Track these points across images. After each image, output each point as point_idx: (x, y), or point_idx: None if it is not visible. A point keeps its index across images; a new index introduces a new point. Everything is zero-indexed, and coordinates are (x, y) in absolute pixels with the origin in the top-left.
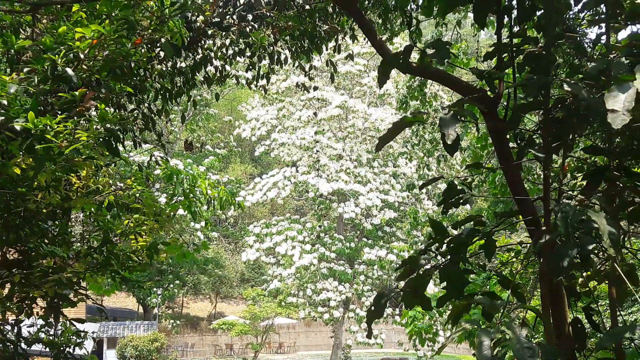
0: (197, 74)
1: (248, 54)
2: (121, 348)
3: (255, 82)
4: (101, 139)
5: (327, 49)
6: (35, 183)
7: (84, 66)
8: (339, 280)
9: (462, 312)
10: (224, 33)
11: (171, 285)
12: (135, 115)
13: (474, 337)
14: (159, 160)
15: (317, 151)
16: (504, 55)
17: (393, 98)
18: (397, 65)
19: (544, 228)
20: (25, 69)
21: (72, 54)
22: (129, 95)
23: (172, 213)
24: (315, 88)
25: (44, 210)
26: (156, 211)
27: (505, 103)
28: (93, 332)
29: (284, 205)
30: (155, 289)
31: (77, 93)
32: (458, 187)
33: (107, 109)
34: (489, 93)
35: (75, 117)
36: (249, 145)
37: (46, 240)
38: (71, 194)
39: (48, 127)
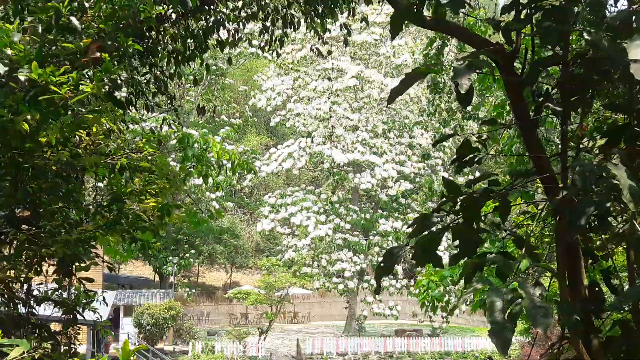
0: (209, 37)
1: (261, 17)
2: (137, 316)
3: (268, 47)
4: (104, 90)
5: (341, 12)
6: (44, 139)
7: (89, 17)
8: (353, 251)
9: (475, 271)
10: None
11: (187, 255)
12: (148, 78)
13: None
14: (172, 124)
15: (335, 119)
16: (522, 9)
17: (410, 68)
18: (410, 17)
19: (560, 185)
20: (29, 18)
21: (76, 3)
22: (140, 58)
23: (184, 175)
24: (330, 52)
25: (53, 167)
26: (167, 172)
27: (522, 58)
28: (103, 296)
29: (299, 176)
30: (170, 258)
31: (81, 43)
32: (473, 145)
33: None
34: (506, 47)
35: (79, 69)
36: (264, 116)
37: (56, 199)
38: (81, 151)
39: (52, 78)
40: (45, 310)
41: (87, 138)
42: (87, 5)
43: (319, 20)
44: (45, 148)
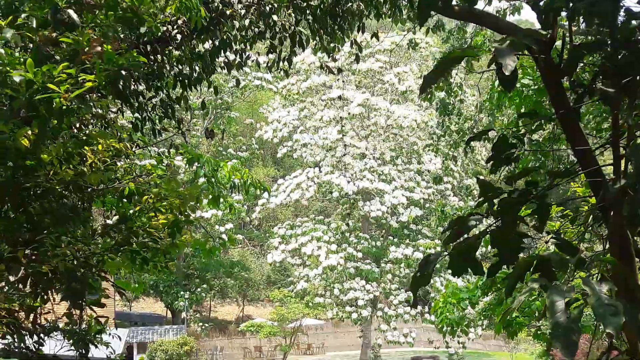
0: (216, 58)
1: (268, 36)
2: (151, 353)
3: (276, 67)
4: (107, 82)
5: (350, 30)
6: (46, 156)
7: (88, 10)
8: (366, 279)
9: (524, 274)
10: (243, 13)
11: (198, 289)
12: (154, 103)
13: (512, 327)
14: (179, 146)
15: (345, 146)
16: None
17: (415, 94)
18: (436, 7)
19: (613, 177)
20: (24, 15)
21: None
22: (146, 81)
23: (196, 192)
24: (340, 70)
25: (57, 188)
26: (177, 187)
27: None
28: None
29: (308, 206)
30: (182, 293)
31: (80, 38)
32: (510, 141)
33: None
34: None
35: (80, 66)
36: (271, 148)
37: (60, 221)
38: (85, 169)
39: (49, 77)
40: (55, 347)
41: (92, 156)
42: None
43: (327, 38)
44: (48, 168)
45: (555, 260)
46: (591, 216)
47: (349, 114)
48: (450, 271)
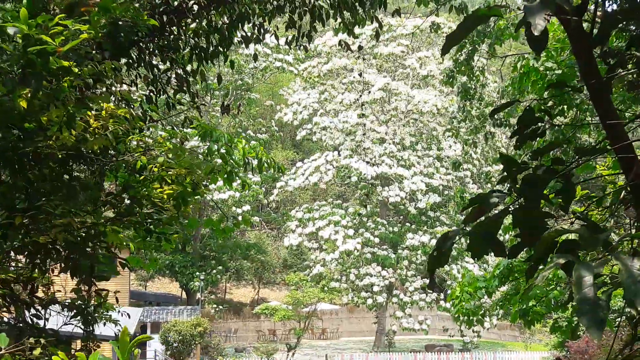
0: (234, 32)
1: (288, 10)
2: (164, 332)
3: (295, 42)
4: (105, 35)
5: (372, 6)
6: (45, 118)
7: None
8: (382, 265)
9: (549, 252)
10: None
11: (214, 271)
12: (169, 75)
13: (529, 316)
14: (192, 120)
15: (363, 134)
16: None
17: (436, 80)
18: None
19: None
20: None
21: None
22: (161, 53)
23: (208, 168)
24: (360, 47)
25: (57, 153)
26: (184, 154)
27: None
28: (123, 312)
29: (326, 190)
30: (197, 274)
31: None
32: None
33: (137, 71)
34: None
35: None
36: (290, 132)
37: (61, 188)
38: (88, 135)
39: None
40: (57, 324)
41: (95, 122)
42: None
43: (348, 14)
44: (48, 132)
45: (584, 237)
46: (620, 197)
47: (369, 98)
48: (467, 259)
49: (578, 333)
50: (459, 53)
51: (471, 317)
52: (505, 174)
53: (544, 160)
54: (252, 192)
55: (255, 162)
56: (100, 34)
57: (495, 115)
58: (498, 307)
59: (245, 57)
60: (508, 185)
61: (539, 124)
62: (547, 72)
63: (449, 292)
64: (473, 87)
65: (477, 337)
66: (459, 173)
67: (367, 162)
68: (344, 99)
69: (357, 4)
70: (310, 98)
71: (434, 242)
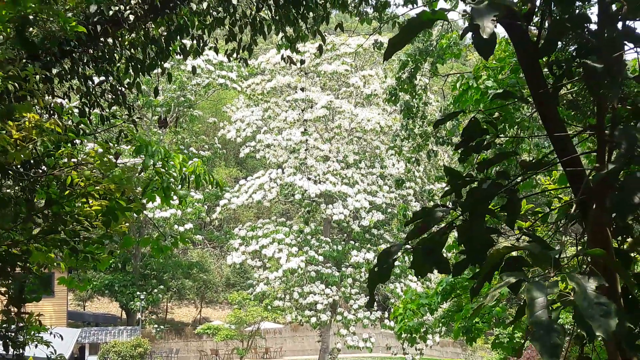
0: (171, 44)
1: (228, 23)
2: (103, 354)
3: (235, 54)
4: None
5: (315, 21)
6: None
7: None
8: (326, 283)
9: (495, 270)
10: None
11: (155, 290)
12: (103, 88)
13: (471, 333)
14: (127, 133)
15: (306, 150)
16: None
17: (380, 98)
18: None
19: (595, 165)
20: None
21: None
22: (95, 65)
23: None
24: (302, 62)
25: None
26: (112, 168)
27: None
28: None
29: (270, 208)
30: (138, 293)
31: None
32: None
33: (70, 82)
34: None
35: None
36: (233, 149)
37: None
38: (9, 147)
39: None
40: None
41: (17, 133)
42: None
43: (291, 28)
44: None
45: (535, 254)
46: (568, 212)
47: (313, 116)
48: (411, 277)
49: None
50: (402, 71)
51: (414, 335)
52: (448, 188)
53: (487, 174)
54: (194, 209)
55: (192, 177)
56: (8, 29)
57: (438, 133)
58: (440, 324)
59: (187, 74)
60: (452, 200)
61: (485, 135)
62: (488, 90)
63: (392, 310)
64: (416, 105)
65: (420, 355)
66: (402, 191)
67: (311, 180)
68: (287, 116)
69: (299, 18)
70: (253, 115)
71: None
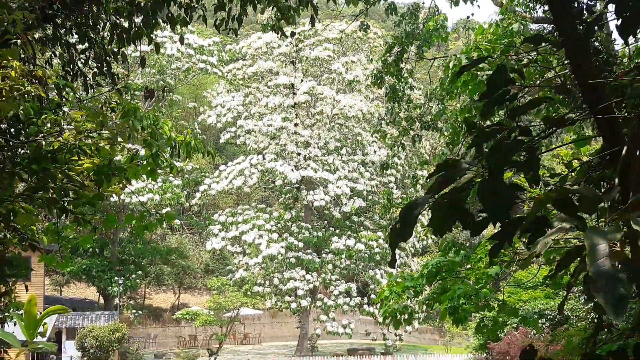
0: (158, 12)
1: None
2: (81, 338)
3: (225, 26)
4: None
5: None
6: None
7: None
8: (306, 269)
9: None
10: None
11: (133, 276)
12: (88, 56)
13: (458, 313)
14: (113, 100)
15: (289, 134)
16: None
17: (362, 85)
18: None
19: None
20: None
21: None
22: (79, 33)
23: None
24: (293, 34)
25: None
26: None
27: None
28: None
29: (250, 194)
30: (116, 278)
31: None
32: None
33: (52, 49)
34: None
35: None
36: (214, 135)
37: None
38: None
39: None
40: None
41: (3, 83)
42: None
43: None
44: None
45: (586, 197)
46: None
47: (294, 102)
48: (390, 263)
49: (499, 334)
50: (387, 54)
51: (399, 316)
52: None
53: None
54: (173, 195)
55: (180, 143)
56: None
57: (424, 118)
58: (425, 306)
59: (167, 58)
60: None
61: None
62: (479, 72)
63: (372, 296)
64: (401, 89)
65: (400, 341)
66: (383, 178)
67: (292, 166)
68: (268, 102)
69: None
70: (234, 101)
71: (359, 245)
